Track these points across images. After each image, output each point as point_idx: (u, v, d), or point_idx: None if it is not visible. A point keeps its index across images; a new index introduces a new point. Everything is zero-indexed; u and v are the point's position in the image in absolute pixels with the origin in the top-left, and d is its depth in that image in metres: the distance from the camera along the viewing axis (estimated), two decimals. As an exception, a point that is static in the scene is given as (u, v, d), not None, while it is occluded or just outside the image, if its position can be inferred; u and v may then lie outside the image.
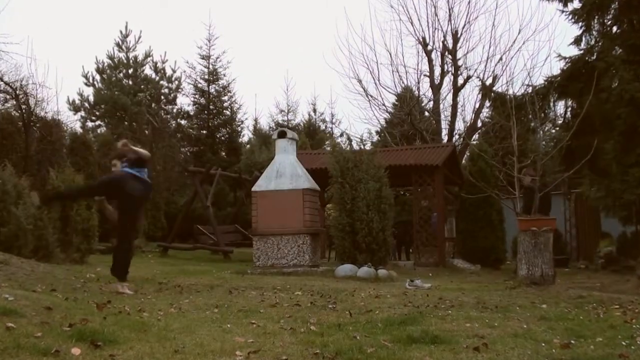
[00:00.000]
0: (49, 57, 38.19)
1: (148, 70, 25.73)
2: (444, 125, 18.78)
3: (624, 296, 6.12)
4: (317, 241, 10.21)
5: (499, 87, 16.99)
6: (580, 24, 13.09)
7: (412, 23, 18.16)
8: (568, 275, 10.52)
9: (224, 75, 26.44)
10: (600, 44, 12.86)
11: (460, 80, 18.40)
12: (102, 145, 17.76)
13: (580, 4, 12.93)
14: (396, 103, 19.71)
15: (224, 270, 9.61)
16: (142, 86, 25.07)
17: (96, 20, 40.75)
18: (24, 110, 14.33)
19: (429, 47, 18.25)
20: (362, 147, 18.58)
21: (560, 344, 3.42)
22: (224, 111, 26.47)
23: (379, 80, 18.48)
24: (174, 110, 26.19)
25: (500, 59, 17.44)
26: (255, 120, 28.28)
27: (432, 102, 18.82)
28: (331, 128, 29.49)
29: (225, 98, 26.58)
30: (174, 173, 18.57)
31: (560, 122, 15.16)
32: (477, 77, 17.90)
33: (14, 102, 14.59)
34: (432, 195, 12.68)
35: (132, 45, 25.35)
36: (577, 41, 13.28)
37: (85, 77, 24.92)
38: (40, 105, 14.69)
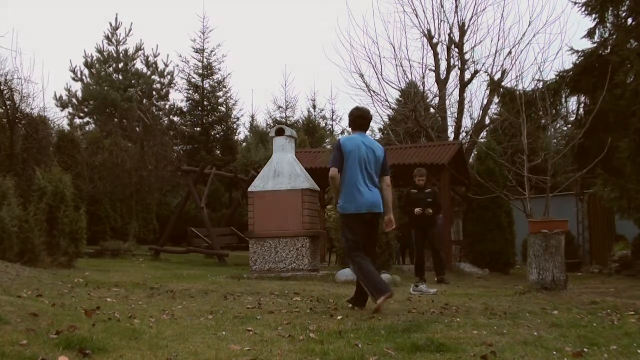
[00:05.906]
0: (35, 50, 38.33)
1: (139, 65, 25.82)
2: (451, 122, 18.79)
3: (639, 302, 6.11)
4: (317, 244, 10.20)
5: (508, 83, 16.97)
6: (593, 16, 13.10)
7: (417, 15, 18.14)
8: (581, 280, 10.53)
9: (219, 69, 26.50)
10: (614, 37, 12.86)
11: (468, 75, 18.38)
12: (91, 143, 17.79)
13: (594, -5, 12.94)
14: (400, 99, 19.71)
15: (219, 274, 9.62)
16: (133, 81, 25.11)
17: (85, 12, 40.82)
18: (8, 107, 14.34)
19: (435, 41, 18.23)
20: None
21: (573, 352, 3.42)
22: (219, 108, 26.49)
23: (382, 75, 18.42)
24: (167, 107, 26.25)
25: (510, 52, 17.42)
26: (252, 117, 28.30)
27: (437, 98, 18.78)
28: (332, 125, 29.53)
29: (221, 94, 26.61)
30: (166, 173, 18.56)
31: (572, 119, 15.17)
32: (485, 71, 17.89)
33: (-2, 98, 14.59)
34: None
35: (122, 39, 25.42)
36: (590, 34, 13.29)
37: (73, 71, 24.98)
38: (25, 101, 14.72)
